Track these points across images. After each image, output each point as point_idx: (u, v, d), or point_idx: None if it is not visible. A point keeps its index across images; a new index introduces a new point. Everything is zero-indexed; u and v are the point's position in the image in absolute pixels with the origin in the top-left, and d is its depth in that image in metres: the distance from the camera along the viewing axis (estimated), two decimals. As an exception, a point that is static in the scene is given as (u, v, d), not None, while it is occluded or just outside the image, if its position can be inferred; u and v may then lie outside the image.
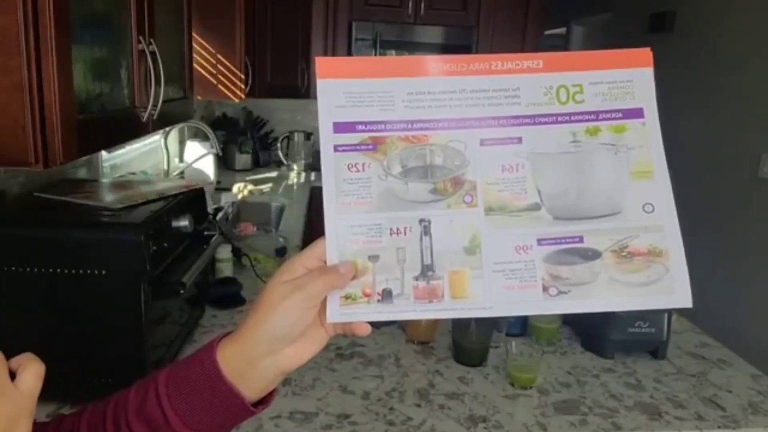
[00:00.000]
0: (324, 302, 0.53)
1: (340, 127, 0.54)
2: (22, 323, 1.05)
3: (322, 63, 0.54)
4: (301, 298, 0.51)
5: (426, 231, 0.53)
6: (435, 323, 1.42)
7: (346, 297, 0.53)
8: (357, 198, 0.53)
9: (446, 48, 4.09)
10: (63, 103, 0.85)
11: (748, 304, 2.93)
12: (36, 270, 1.02)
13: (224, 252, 1.76)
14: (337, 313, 0.53)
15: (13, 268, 1.02)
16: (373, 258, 0.53)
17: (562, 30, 5.36)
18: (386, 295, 0.53)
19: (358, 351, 1.37)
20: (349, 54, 4.00)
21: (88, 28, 1.01)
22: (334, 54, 4.02)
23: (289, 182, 3.40)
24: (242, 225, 2.22)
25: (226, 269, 1.76)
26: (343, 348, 1.38)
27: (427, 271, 0.53)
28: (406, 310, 0.52)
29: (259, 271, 1.79)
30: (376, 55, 3.97)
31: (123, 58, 1.14)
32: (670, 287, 0.53)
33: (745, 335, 2.62)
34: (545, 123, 0.55)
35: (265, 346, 0.53)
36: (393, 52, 4.08)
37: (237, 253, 1.84)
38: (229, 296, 1.60)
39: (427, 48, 4.08)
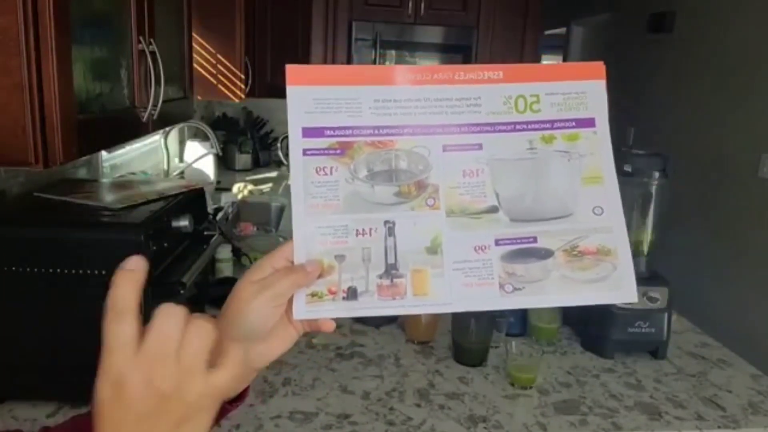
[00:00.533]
0: (291, 300, 0.55)
1: (308, 132, 0.57)
2: (22, 323, 1.05)
3: (291, 70, 0.57)
4: (269, 297, 0.53)
5: (390, 232, 0.56)
6: (435, 323, 1.42)
7: (312, 295, 0.55)
8: (324, 200, 0.56)
9: (446, 48, 4.08)
10: (63, 103, 0.85)
11: (748, 304, 2.92)
12: (36, 270, 1.02)
13: (224, 252, 1.76)
14: (303, 311, 0.55)
15: (13, 268, 1.02)
16: (339, 257, 0.55)
17: (562, 30, 5.36)
18: (351, 293, 0.55)
19: (358, 351, 1.37)
20: (350, 54, 4.00)
21: (88, 28, 1.01)
22: (334, 54, 4.02)
23: (289, 182, 3.39)
24: (242, 225, 2.22)
25: (226, 269, 1.76)
26: (343, 348, 1.38)
27: (391, 269, 0.56)
28: (370, 307, 0.55)
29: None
30: (376, 55, 3.97)
31: (123, 58, 1.14)
32: (617, 283, 0.57)
33: (745, 335, 2.62)
34: (504, 131, 0.58)
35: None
36: (393, 52, 4.07)
37: (237, 253, 1.84)
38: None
39: (427, 48, 4.08)
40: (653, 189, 1.40)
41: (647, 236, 1.43)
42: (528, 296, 0.56)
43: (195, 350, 0.42)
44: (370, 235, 0.55)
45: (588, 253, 0.57)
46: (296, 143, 0.56)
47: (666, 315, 1.39)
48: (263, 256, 0.57)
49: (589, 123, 0.59)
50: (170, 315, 0.42)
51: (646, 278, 1.43)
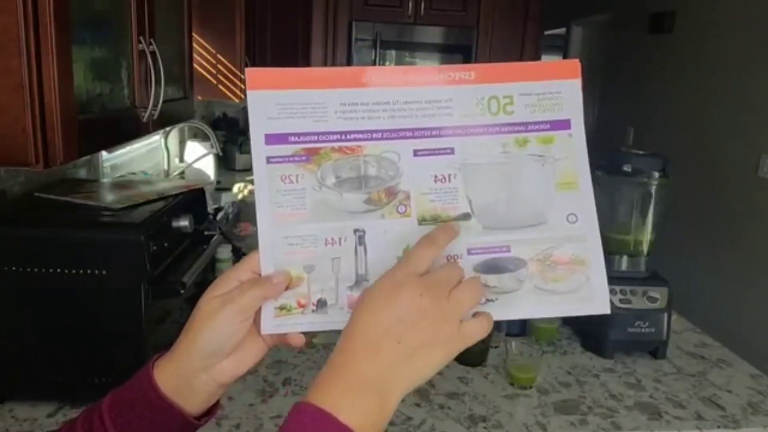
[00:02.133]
0: (259, 314, 0.53)
1: (272, 139, 0.54)
2: (22, 323, 1.05)
3: (251, 74, 0.54)
4: (233, 312, 0.51)
5: (360, 241, 0.54)
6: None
7: (281, 308, 0.53)
8: (291, 209, 0.53)
9: (446, 48, 4.09)
10: (63, 103, 0.86)
11: (748, 304, 2.93)
12: (36, 270, 1.02)
13: (224, 252, 1.76)
14: (270, 325, 0.53)
15: (13, 268, 1.02)
16: (308, 268, 0.53)
17: (562, 30, 5.36)
18: (321, 305, 0.53)
19: (358, 351, 1.37)
20: (350, 54, 4.00)
21: (88, 28, 1.01)
22: (334, 54, 4.02)
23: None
24: (242, 225, 2.22)
25: (226, 269, 1.76)
26: (343, 348, 1.38)
27: (361, 281, 0.53)
28: (340, 320, 0.52)
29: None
30: (376, 55, 3.97)
31: (123, 58, 1.15)
32: (589, 295, 0.55)
33: (745, 335, 2.62)
34: (477, 134, 0.56)
35: (199, 363, 0.53)
36: (393, 52, 4.08)
37: (237, 253, 1.84)
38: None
39: (427, 48, 4.08)
40: (653, 189, 1.40)
41: (647, 236, 1.43)
42: (501, 308, 0.54)
43: (463, 298, 0.49)
44: (340, 244, 0.53)
45: (561, 263, 0.55)
46: (259, 150, 0.54)
47: (666, 315, 1.39)
48: (227, 269, 0.55)
49: (564, 125, 0.57)
50: (457, 267, 0.50)
51: (646, 278, 1.43)
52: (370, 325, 0.47)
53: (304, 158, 0.54)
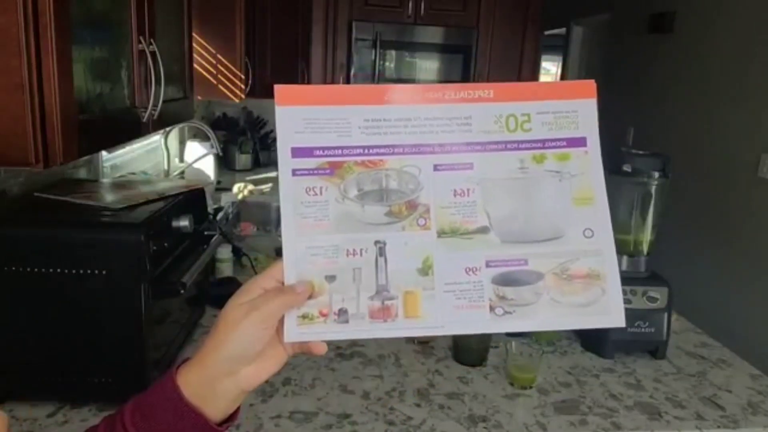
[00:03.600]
0: (282, 322, 0.54)
1: (298, 152, 0.56)
2: (23, 323, 1.05)
3: (280, 91, 0.56)
4: (258, 319, 0.53)
5: (381, 252, 0.56)
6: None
7: (303, 317, 0.54)
8: (315, 220, 0.55)
9: (446, 48, 4.09)
10: (63, 103, 0.85)
11: (748, 304, 2.93)
12: (36, 270, 1.02)
13: (224, 252, 1.76)
14: (294, 333, 0.55)
15: (13, 268, 1.02)
16: (330, 278, 0.55)
17: (562, 30, 5.36)
18: (342, 315, 0.55)
19: (358, 351, 1.37)
20: (350, 54, 4.00)
21: (88, 28, 1.01)
22: (334, 54, 4.02)
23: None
24: (242, 225, 2.22)
25: (226, 269, 1.76)
26: (343, 348, 1.38)
27: (382, 291, 0.55)
28: (361, 329, 0.54)
29: (259, 272, 1.79)
30: (376, 55, 3.97)
31: (123, 58, 1.14)
32: (606, 308, 0.57)
33: (745, 335, 2.62)
34: (495, 150, 0.58)
35: (223, 368, 0.54)
36: (393, 52, 4.08)
37: (237, 253, 1.84)
38: (229, 296, 1.60)
39: (427, 48, 4.08)
40: (653, 189, 1.40)
41: (647, 236, 1.43)
42: (518, 320, 0.56)
43: None
44: (361, 255, 0.55)
45: (578, 277, 0.56)
46: (286, 163, 0.56)
47: (666, 315, 1.39)
48: (252, 278, 0.56)
49: (580, 142, 0.59)
50: None
51: (646, 278, 1.43)
52: None
53: (328, 171, 0.56)
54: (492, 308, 0.56)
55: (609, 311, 0.57)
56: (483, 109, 0.58)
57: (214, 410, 0.55)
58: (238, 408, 0.58)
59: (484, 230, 0.57)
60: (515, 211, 0.57)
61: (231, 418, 0.57)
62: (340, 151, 0.56)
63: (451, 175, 0.57)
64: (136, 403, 0.56)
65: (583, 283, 0.56)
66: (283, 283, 0.54)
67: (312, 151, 0.56)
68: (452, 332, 0.56)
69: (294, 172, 0.56)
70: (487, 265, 0.56)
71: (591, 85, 0.60)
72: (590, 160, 0.59)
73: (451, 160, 0.57)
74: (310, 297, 0.54)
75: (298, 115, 0.56)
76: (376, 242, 0.55)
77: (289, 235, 0.55)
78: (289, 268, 0.54)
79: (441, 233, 0.56)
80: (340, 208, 0.56)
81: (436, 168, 0.57)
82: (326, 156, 0.56)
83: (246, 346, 0.53)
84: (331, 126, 0.56)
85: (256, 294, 0.54)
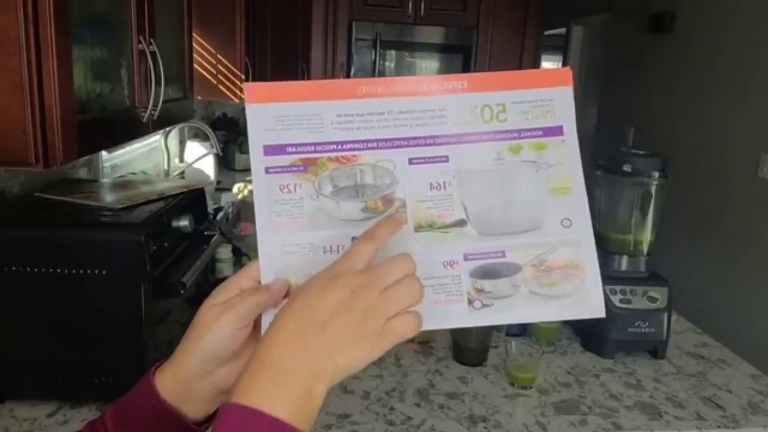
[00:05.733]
0: (259, 321, 0.53)
1: (270, 150, 0.55)
2: (23, 323, 1.05)
3: (250, 89, 0.55)
4: (231, 319, 0.52)
5: None
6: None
7: None
8: (290, 218, 0.54)
9: (446, 48, 4.09)
10: (63, 103, 0.85)
11: (748, 304, 2.93)
12: (36, 270, 1.02)
13: (224, 252, 1.76)
14: None
15: (13, 268, 1.02)
16: (307, 275, 0.53)
17: (562, 30, 5.36)
18: None
19: (358, 351, 1.37)
20: (350, 54, 4.00)
21: (88, 28, 1.01)
22: (334, 54, 4.02)
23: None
24: (242, 225, 2.22)
25: (226, 269, 1.76)
26: (343, 348, 1.38)
27: None
28: None
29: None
30: (376, 55, 3.97)
31: (123, 58, 1.14)
32: (584, 299, 0.56)
33: (745, 335, 2.62)
34: (471, 141, 0.57)
35: (198, 368, 0.54)
36: (393, 52, 4.08)
37: (237, 253, 1.84)
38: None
39: (427, 48, 4.08)
40: (653, 189, 1.40)
41: (647, 236, 1.43)
42: (497, 312, 0.55)
43: (396, 296, 0.47)
44: (338, 252, 0.54)
45: (556, 268, 0.56)
46: (258, 161, 0.55)
47: (666, 315, 1.39)
48: (228, 278, 0.56)
49: (556, 131, 0.58)
50: (404, 262, 0.48)
51: (646, 278, 1.43)
52: (299, 315, 0.47)
53: (301, 168, 0.55)
54: (470, 302, 0.55)
55: (588, 302, 0.56)
56: (457, 100, 0.57)
57: (192, 411, 0.55)
58: (216, 410, 0.56)
59: (461, 223, 0.56)
60: (492, 203, 0.57)
61: (211, 419, 0.56)
62: (312, 148, 0.55)
63: (427, 169, 0.56)
64: (117, 406, 0.56)
65: (561, 274, 0.56)
66: (260, 283, 0.54)
67: (284, 149, 0.55)
68: (430, 327, 0.54)
69: (267, 170, 0.55)
70: (465, 259, 0.55)
71: (567, 72, 0.59)
72: (567, 149, 0.58)
73: (426, 153, 0.56)
74: (286, 295, 0.53)
75: (269, 113, 0.55)
76: (353, 238, 0.54)
77: (264, 233, 0.54)
78: (265, 267, 0.53)
79: (418, 228, 0.55)
80: (315, 205, 0.55)
81: (411, 162, 0.56)
82: (299, 153, 0.55)
83: (220, 347, 0.53)
84: (303, 122, 0.55)
85: (232, 294, 0.54)
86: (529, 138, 0.57)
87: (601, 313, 0.56)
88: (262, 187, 0.55)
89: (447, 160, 0.56)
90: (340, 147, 0.56)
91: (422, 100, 0.57)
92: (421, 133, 0.56)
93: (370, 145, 0.56)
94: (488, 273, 0.55)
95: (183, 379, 0.54)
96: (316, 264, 0.52)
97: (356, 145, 0.56)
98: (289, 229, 0.54)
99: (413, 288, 0.48)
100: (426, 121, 0.57)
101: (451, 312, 0.55)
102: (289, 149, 0.55)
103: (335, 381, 0.47)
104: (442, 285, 0.55)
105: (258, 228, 0.54)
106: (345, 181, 0.55)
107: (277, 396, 0.44)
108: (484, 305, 0.55)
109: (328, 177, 0.55)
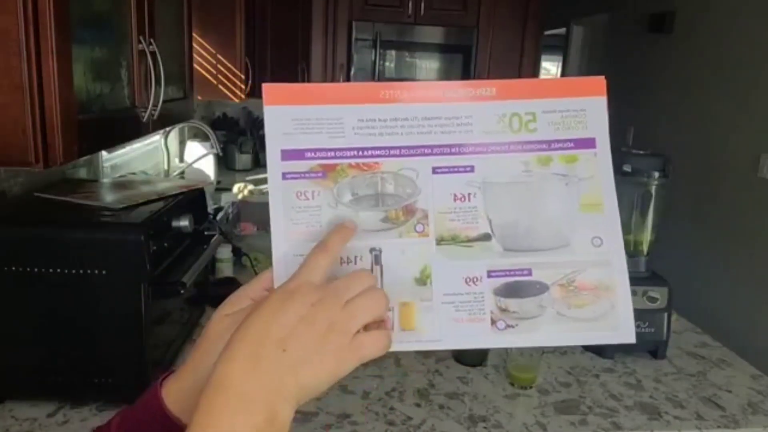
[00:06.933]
0: None
1: (288, 155, 0.52)
2: (23, 323, 1.05)
3: (268, 89, 0.52)
4: None
5: (377, 260, 0.52)
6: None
7: None
8: (306, 226, 0.52)
9: (446, 48, 4.09)
10: (63, 104, 0.85)
11: (748, 304, 2.93)
12: (36, 270, 1.02)
13: (224, 252, 1.76)
14: None
15: (13, 268, 1.02)
16: None
17: (562, 30, 5.36)
18: None
19: (358, 351, 1.37)
20: (350, 54, 4.00)
21: (88, 28, 1.01)
22: (334, 54, 4.02)
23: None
24: (242, 225, 2.22)
25: (226, 269, 1.77)
26: (343, 348, 1.38)
27: None
28: None
29: (259, 271, 1.79)
30: (376, 55, 3.97)
31: (123, 58, 1.14)
32: (614, 323, 0.53)
33: (745, 335, 2.62)
34: (498, 152, 0.54)
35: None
36: (393, 52, 4.08)
37: (237, 253, 1.84)
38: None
39: (427, 48, 4.08)
40: (653, 189, 1.40)
41: (647, 236, 1.43)
42: (521, 334, 0.52)
43: (359, 309, 0.45)
44: (355, 263, 0.51)
45: (585, 289, 0.53)
46: (275, 166, 0.52)
47: (666, 315, 1.39)
48: (240, 287, 0.54)
49: (589, 143, 0.55)
50: (363, 276, 0.47)
51: (646, 278, 1.43)
52: (255, 334, 0.44)
53: (320, 174, 0.52)
54: (494, 321, 0.52)
55: (618, 326, 0.53)
56: (485, 108, 0.54)
57: None
58: None
59: (485, 237, 0.53)
60: (519, 217, 0.54)
61: None
62: (332, 153, 0.53)
63: (451, 179, 0.53)
64: (123, 416, 0.55)
65: (590, 296, 0.53)
66: None
67: (303, 154, 0.52)
68: (449, 347, 0.52)
69: (284, 176, 0.52)
70: (489, 275, 0.52)
71: (601, 81, 0.56)
72: (599, 163, 0.54)
73: (451, 162, 0.53)
74: None
75: (288, 116, 0.52)
76: (372, 250, 0.52)
77: (279, 242, 0.51)
78: (278, 275, 0.51)
79: (440, 240, 0.53)
80: (333, 214, 0.52)
81: (434, 171, 0.53)
82: (318, 158, 0.52)
83: None
84: (323, 126, 0.53)
85: (244, 304, 0.52)
86: (560, 150, 0.54)
87: (631, 339, 0.53)
88: (279, 194, 0.52)
89: (472, 170, 0.54)
90: (361, 153, 0.53)
91: (448, 106, 0.54)
92: (446, 141, 0.54)
93: (392, 152, 0.53)
94: (513, 291, 0.52)
95: (193, 391, 0.52)
96: (332, 274, 0.50)
97: (378, 152, 0.53)
98: (306, 238, 0.51)
99: (377, 298, 0.46)
100: (451, 128, 0.54)
101: (473, 332, 0.52)
102: (308, 154, 0.53)
103: (303, 400, 0.44)
104: (464, 302, 0.52)
105: (273, 235, 0.52)
106: (365, 189, 0.53)
107: (236, 424, 0.42)
108: (508, 326, 0.52)
109: (348, 185, 0.53)
